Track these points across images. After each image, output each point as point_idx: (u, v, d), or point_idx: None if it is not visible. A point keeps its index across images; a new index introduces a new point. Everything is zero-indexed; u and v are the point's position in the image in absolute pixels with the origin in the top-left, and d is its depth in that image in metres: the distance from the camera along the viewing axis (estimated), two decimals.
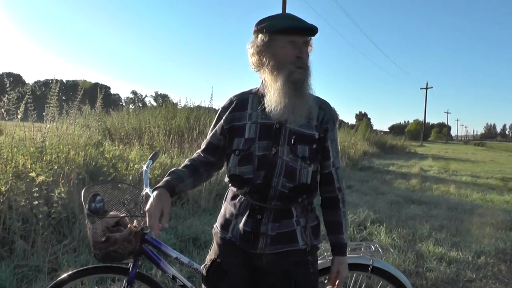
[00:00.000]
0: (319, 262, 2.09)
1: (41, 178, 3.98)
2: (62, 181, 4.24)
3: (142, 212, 1.92)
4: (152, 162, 2.24)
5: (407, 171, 13.81)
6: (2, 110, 4.46)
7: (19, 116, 4.57)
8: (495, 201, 8.09)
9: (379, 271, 2.06)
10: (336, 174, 1.74)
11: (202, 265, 1.80)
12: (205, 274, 1.75)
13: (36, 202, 3.82)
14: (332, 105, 1.76)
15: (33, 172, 4.01)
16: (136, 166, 5.41)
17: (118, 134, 9.11)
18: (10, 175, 3.90)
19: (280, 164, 1.61)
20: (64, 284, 2.00)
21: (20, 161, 4.18)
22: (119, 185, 2.13)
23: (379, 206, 6.98)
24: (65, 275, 2.01)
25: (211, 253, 1.78)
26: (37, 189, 3.87)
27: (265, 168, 1.62)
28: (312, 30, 1.61)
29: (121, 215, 1.91)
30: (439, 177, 12.34)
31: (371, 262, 2.04)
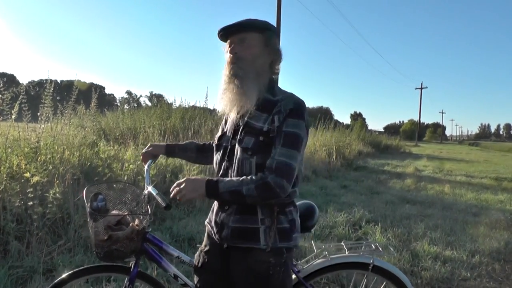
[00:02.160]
0: (318, 261, 2.10)
1: (35, 178, 3.97)
2: (57, 181, 4.22)
3: (144, 210, 1.93)
4: (152, 162, 2.24)
5: (402, 171, 13.86)
6: None
7: (13, 117, 4.55)
8: (489, 201, 8.14)
9: (379, 270, 2.08)
10: (272, 164, 1.59)
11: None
12: (195, 263, 1.92)
13: (31, 203, 3.81)
14: (296, 99, 1.69)
15: (28, 173, 4.00)
16: (131, 166, 5.39)
17: (113, 134, 9.08)
18: (4, 175, 3.88)
19: (236, 156, 1.74)
20: (65, 284, 2.01)
21: (15, 161, 4.16)
22: (121, 185, 2.15)
23: (374, 205, 7.00)
24: (66, 274, 2.01)
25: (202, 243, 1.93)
26: (31, 189, 3.85)
27: (227, 159, 1.78)
28: (240, 25, 1.72)
29: (123, 214, 1.92)
30: (434, 177, 12.39)
31: (371, 261, 2.05)
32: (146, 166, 2.18)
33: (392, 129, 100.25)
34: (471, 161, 22.20)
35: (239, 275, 1.73)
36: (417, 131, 67.35)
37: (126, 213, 1.94)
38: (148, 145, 2.24)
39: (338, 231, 5.08)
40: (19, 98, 4.68)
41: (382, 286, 2.15)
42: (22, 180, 3.98)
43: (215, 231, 1.79)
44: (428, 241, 4.84)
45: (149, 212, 1.91)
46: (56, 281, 2.02)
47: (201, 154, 2.20)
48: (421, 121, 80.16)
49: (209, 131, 9.10)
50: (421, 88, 68.07)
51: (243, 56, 1.72)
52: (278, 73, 1.83)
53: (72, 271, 2.02)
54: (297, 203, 2.00)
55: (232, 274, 1.76)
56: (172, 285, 3.12)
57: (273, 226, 1.69)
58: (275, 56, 1.77)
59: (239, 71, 1.70)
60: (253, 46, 1.73)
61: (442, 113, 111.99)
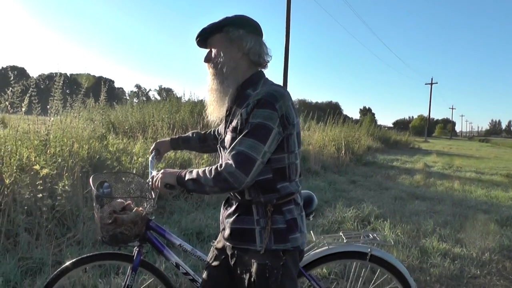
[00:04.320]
0: (316, 251, 2.10)
1: (45, 171, 3.99)
2: (66, 174, 4.24)
3: (148, 198, 1.95)
4: (157, 153, 2.27)
5: (411, 166, 13.77)
6: (7, 103, 4.45)
7: (23, 109, 4.57)
8: (500, 198, 8.04)
9: (377, 259, 2.08)
10: (230, 154, 1.57)
11: None
12: (207, 259, 1.95)
13: (40, 195, 3.83)
14: (270, 90, 1.61)
15: (37, 165, 4.02)
16: (140, 159, 5.41)
17: (122, 128, 9.12)
18: (15, 167, 3.91)
19: (221, 156, 1.79)
20: (69, 271, 2.05)
21: (24, 154, 4.19)
22: (126, 175, 2.18)
23: (383, 201, 6.97)
24: (70, 261, 2.05)
25: None
26: (41, 182, 3.88)
27: (218, 160, 1.81)
28: (200, 34, 1.76)
29: (127, 202, 1.96)
30: (443, 173, 12.30)
31: (369, 251, 2.05)
32: (150, 158, 2.21)
33: (401, 125, 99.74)
34: (481, 157, 22.01)
35: (239, 276, 1.72)
36: (426, 127, 66.92)
37: (129, 202, 1.99)
38: (153, 144, 2.29)
39: (347, 226, 5.06)
40: (29, 91, 4.69)
41: (379, 277, 2.14)
42: (32, 173, 4.01)
43: (220, 230, 1.83)
44: (437, 237, 4.80)
45: (153, 197, 1.92)
46: (61, 267, 2.05)
47: (203, 143, 2.22)
48: (430, 117, 79.71)
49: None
50: (431, 84, 67.62)
51: (214, 60, 1.74)
52: (264, 65, 1.77)
53: (76, 259, 2.05)
54: None
55: (234, 273, 1.75)
56: (180, 278, 3.12)
57: (268, 227, 1.65)
58: (246, 48, 1.70)
59: (215, 76, 1.73)
60: (218, 47, 1.73)
61: (452, 108, 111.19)
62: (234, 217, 1.72)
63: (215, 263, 1.87)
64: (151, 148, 2.27)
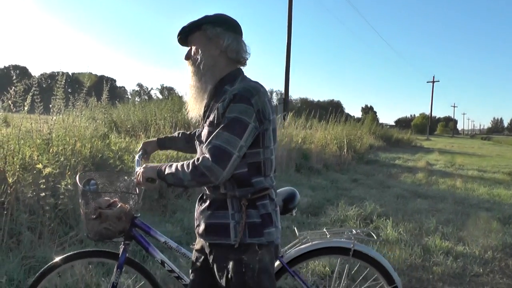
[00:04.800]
0: (300, 247, 2.11)
1: (47, 170, 3.99)
2: (69, 173, 4.25)
3: (133, 196, 1.98)
4: (144, 152, 2.28)
5: (413, 165, 13.76)
6: (9, 102, 4.46)
7: (25, 108, 4.57)
8: (502, 196, 8.03)
9: (360, 254, 2.09)
10: (206, 148, 1.60)
11: None
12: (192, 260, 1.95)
13: (43, 194, 3.84)
14: (246, 85, 1.66)
15: (40, 164, 4.02)
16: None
17: (124, 127, 9.13)
18: (17, 166, 3.91)
19: (198, 151, 1.81)
20: (55, 268, 2.09)
21: (27, 153, 4.19)
22: (113, 173, 2.21)
23: (385, 199, 6.97)
24: (56, 259, 2.07)
25: None
26: (43, 180, 3.88)
27: (198, 153, 1.82)
28: (180, 33, 1.80)
29: (113, 199, 1.99)
30: (445, 171, 12.29)
31: (352, 246, 2.06)
32: (137, 157, 2.23)
33: (403, 123, 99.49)
34: (483, 155, 21.98)
35: (217, 273, 1.73)
36: (428, 125, 66.80)
37: (114, 192, 2.03)
38: (141, 145, 2.31)
39: (350, 225, 5.06)
40: (32, 90, 4.70)
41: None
42: (35, 171, 4.01)
43: (195, 227, 1.83)
44: (439, 236, 4.80)
45: (137, 192, 1.95)
46: (48, 264, 2.09)
47: (189, 143, 2.22)
48: (432, 115, 79.63)
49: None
50: (433, 82, 67.57)
51: (193, 57, 1.78)
52: (242, 62, 1.80)
53: (61, 256, 2.08)
54: (280, 190, 2.04)
55: (213, 270, 1.76)
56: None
57: (243, 221, 1.66)
58: (224, 45, 1.73)
59: (194, 73, 1.77)
60: (197, 45, 1.78)
61: (454, 107, 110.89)
62: (209, 212, 1.74)
63: (197, 265, 1.88)
64: (139, 149, 2.29)
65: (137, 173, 1.78)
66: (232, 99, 1.60)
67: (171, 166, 1.68)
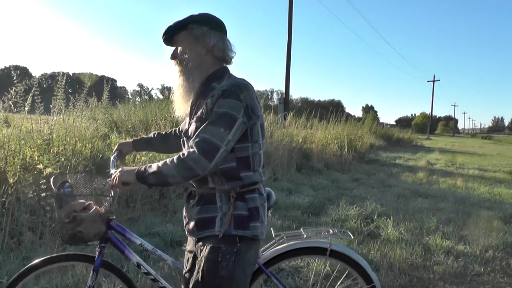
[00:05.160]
0: (276, 248, 2.10)
1: (48, 170, 4.00)
2: (70, 173, 4.25)
3: (108, 198, 1.96)
4: (119, 153, 2.28)
5: (413, 164, 13.75)
6: (10, 102, 4.46)
7: (26, 109, 4.58)
8: (503, 195, 8.02)
9: (337, 254, 2.08)
10: (194, 141, 1.61)
11: None
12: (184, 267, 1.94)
13: (44, 194, 3.84)
14: (234, 82, 1.69)
15: (41, 164, 4.03)
16: (143, 158, 5.41)
17: (125, 127, 9.11)
18: (18, 167, 3.91)
19: (185, 147, 1.81)
20: (31, 272, 2.07)
21: (28, 153, 4.20)
22: (89, 175, 2.19)
23: (386, 199, 6.96)
24: (31, 263, 2.06)
25: None
26: (44, 181, 3.89)
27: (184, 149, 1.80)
28: (166, 33, 1.80)
29: (88, 202, 1.96)
30: (446, 170, 12.27)
31: (328, 246, 2.05)
32: (112, 157, 2.22)
33: (404, 122, 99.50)
34: (484, 154, 21.95)
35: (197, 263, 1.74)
36: (429, 124, 66.72)
37: (88, 195, 2.01)
38: (117, 145, 2.31)
39: (350, 224, 5.06)
40: (32, 91, 4.71)
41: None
42: (35, 172, 4.02)
43: (184, 225, 1.85)
44: (440, 235, 4.80)
45: (111, 194, 1.93)
46: (21, 270, 2.08)
47: (164, 143, 2.23)
48: (433, 114, 79.57)
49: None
50: (434, 81, 67.45)
51: (180, 57, 1.80)
52: (228, 60, 1.82)
53: (37, 261, 2.06)
54: None
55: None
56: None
57: (230, 212, 1.68)
58: (210, 44, 1.75)
59: (182, 72, 1.79)
60: (183, 45, 1.79)
61: (455, 106, 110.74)
62: (197, 208, 1.76)
63: (189, 267, 1.87)
64: (114, 150, 2.28)
65: (113, 176, 1.77)
66: (221, 95, 1.63)
67: (151, 166, 1.67)
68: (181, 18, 1.77)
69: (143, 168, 1.68)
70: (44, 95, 5.16)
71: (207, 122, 1.62)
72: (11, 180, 3.81)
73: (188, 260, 1.90)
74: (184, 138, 1.84)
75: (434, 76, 69.42)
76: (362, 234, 4.75)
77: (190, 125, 1.77)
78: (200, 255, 1.73)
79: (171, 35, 1.81)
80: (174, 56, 1.82)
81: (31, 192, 3.82)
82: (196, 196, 1.79)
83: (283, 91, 17.64)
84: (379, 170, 11.38)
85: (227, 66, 1.84)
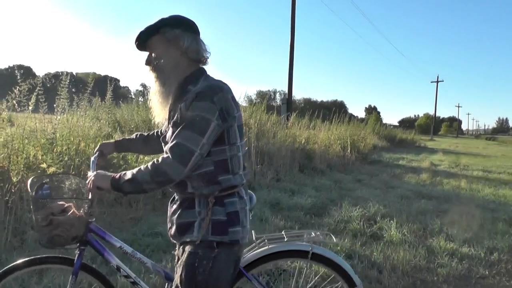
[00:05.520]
0: (257, 251, 2.07)
1: (52, 169, 4.00)
2: (73, 172, 4.25)
3: (85, 200, 1.94)
4: (100, 154, 2.24)
5: (417, 165, 13.70)
6: (14, 101, 4.47)
7: (30, 108, 4.59)
8: (508, 197, 7.97)
9: (319, 257, 2.05)
10: (168, 146, 1.60)
11: None
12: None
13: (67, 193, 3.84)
14: (209, 84, 1.67)
15: (44, 163, 4.03)
16: (146, 158, 5.41)
17: (128, 126, 9.11)
18: (22, 166, 3.92)
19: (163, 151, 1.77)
20: (8, 275, 2.03)
21: (31, 152, 4.20)
22: (67, 177, 2.16)
23: (389, 200, 6.93)
24: (10, 265, 2.03)
25: None
26: (48, 180, 3.88)
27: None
28: (137, 38, 1.76)
29: (67, 204, 1.93)
30: (450, 172, 12.23)
31: (310, 249, 2.02)
32: (92, 158, 2.20)
33: (407, 123, 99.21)
34: (488, 155, 21.87)
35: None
36: (432, 125, 66.58)
37: (64, 197, 1.98)
38: (98, 145, 2.27)
39: (353, 226, 5.04)
40: (36, 90, 4.72)
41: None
42: (39, 171, 4.02)
43: (168, 230, 1.83)
44: (444, 237, 4.77)
45: (89, 197, 1.91)
46: (4, 269, 2.03)
47: (146, 144, 2.20)
48: (436, 115, 79.35)
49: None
50: (437, 82, 67.32)
51: (154, 62, 1.76)
52: (203, 61, 1.80)
53: (15, 263, 2.03)
54: None
55: None
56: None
57: (208, 217, 1.66)
58: (184, 46, 1.72)
59: (157, 78, 1.75)
60: (157, 49, 1.76)
61: (458, 107, 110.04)
62: (178, 212, 1.74)
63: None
64: (96, 150, 2.25)
65: (88, 180, 1.76)
66: (194, 98, 1.60)
67: (125, 174, 1.65)
68: (152, 23, 1.73)
69: (117, 176, 1.66)
70: (47, 94, 5.17)
71: (181, 127, 1.60)
72: (14, 179, 3.81)
73: (176, 263, 1.89)
74: (163, 143, 1.82)
75: (437, 76, 69.42)
76: (365, 235, 4.73)
77: (168, 129, 1.74)
78: (181, 259, 1.73)
79: (143, 40, 1.77)
80: (148, 62, 1.78)
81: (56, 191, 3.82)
82: (178, 201, 1.78)
83: (286, 91, 17.62)
84: (382, 171, 11.35)
85: (203, 67, 1.82)
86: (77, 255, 2.01)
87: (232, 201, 1.71)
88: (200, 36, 1.80)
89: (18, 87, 4.54)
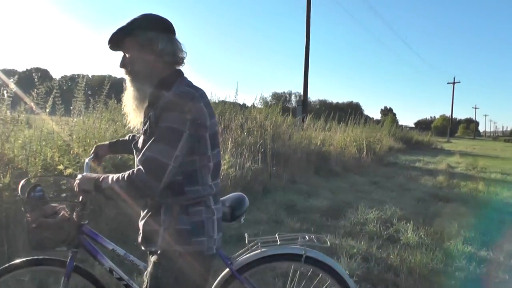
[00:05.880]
0: (250, 254, 2.06)
1: (69, 170, 4.04)
2: (40, 176, 4.29)
3: (79, 202, 1.93)
4: (94, 156, 2.25)
5: (433, 167, 13.53)
6: (32, 104, 4.54)
7: (47, 110, 4.65)
8: None
9: (313, 260, 2.03)
10: (140, 160, 1.56)
11: None
12: None
13: (64, 194, 3.88)
14: (179, 92, 1.58)
15: (61, 165, 4.08)
16: None
17: None
18: (39, 167, 3.97)
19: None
20: (2, 276, 2.03)
21: (49, 154, 4.25)
22: (61, 179, 2.16)
23: (406, 203, 6.86)
24: (2, 267, 2.03)
25: None
26: (65, 181, 3.93)
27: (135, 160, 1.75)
28: (110, 41, 1.69)
29: (60, 207, 1.93)
30: (467, 174, 12.05)
31: (303, 252, 2.00)
32: (87, 160, 2.20)
33: (423, 125, 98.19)
34: (506, 158, 21.49)
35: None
36: (449, 127, 65.77)
37: (54, 199, 1.97)
38: (94, 147, 2.28)
39: (369, 228, 4.99)
40: (53, 93, 4.78)
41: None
42: (56, 172, 4.07)
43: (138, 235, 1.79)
44: (462, 240, 4.69)
45: (80, 200, 1.91)
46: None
47: None
48: (453, 117, 78.29)
49: (239, 125, 9.09)
50: (454, 83, 66.46)
51: (128, 66, 1.70)
52: (180, 62, 1.73)
53: (7, 265, 2.04)
54: (227, 197, 1.99)
55: None
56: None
57: (171, 226, 1.62)
58: (159, 49, 1.65)
59: (132, 83, 1.70)
60: (130, 52, 1.69)
61: (475, 108, 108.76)
62: (145, 219, 1.70)
63: None
64: (91, 153, 2.24)
65: (75, 182, 1.74)
66: (163, 108, 1.54)
67: (107, 178, 1.61)
68: (123, 24, 1.65)
69: (101, 179, 1.63)
70: (64, 97, 5.24)
71: (152, 139, 1.54)
72: (32, 181, 3.85)
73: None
74: (134, 150, 1.75)
75: (454, 78, 68.36)
76: (381, 238, 4.69)
77: (140, 135, 1.71)
78: (147, 270, 1.71)
79: (115, 43, 1.70)
80: (123, 64, 1.71)
81: (52, 192, 3.86)
82: (146, 208, 1.72)
83: (301, 93, 17.59)
84: (398, 173, 11.24)
85: (180, 68, 1.75)
86: (69, 257, 2.00)
87: (197, 211, 1.65)
88: (175, 35, 1.72)
89: (35, 90, 4.61)
